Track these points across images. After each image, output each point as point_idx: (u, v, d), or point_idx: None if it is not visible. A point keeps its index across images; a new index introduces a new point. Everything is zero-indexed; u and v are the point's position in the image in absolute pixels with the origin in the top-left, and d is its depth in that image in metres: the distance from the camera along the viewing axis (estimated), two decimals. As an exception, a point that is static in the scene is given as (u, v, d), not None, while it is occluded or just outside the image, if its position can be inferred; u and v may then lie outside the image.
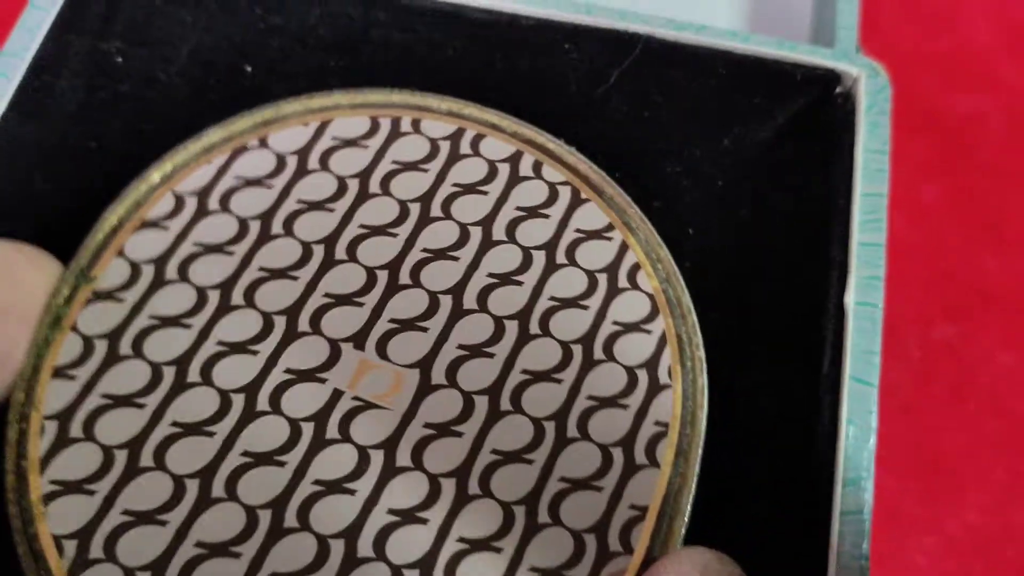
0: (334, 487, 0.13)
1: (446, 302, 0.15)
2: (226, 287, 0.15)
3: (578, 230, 0.16)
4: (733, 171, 0.19)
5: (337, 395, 0.14)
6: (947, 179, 0.29)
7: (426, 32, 0.19)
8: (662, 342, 0.15)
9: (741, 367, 0.16)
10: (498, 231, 0.16)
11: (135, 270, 0.15)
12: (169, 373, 0.14)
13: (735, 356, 0.16)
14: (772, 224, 0.18)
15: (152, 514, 0.13)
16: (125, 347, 0.14)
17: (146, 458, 0.13)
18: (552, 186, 0.17)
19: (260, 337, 0.14)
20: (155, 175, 0.16)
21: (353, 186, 0.16)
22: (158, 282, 0.15)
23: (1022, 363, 0.26)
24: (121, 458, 0.13)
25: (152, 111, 0.18)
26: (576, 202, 0.16)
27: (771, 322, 0.17)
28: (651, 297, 0.15)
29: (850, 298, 0.16)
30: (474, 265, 0.15)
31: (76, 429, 0.13)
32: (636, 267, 0.16)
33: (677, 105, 0.19)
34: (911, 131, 0.29)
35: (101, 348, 0.14)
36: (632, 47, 0.19)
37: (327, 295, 0.15)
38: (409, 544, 0.13)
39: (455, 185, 0.16)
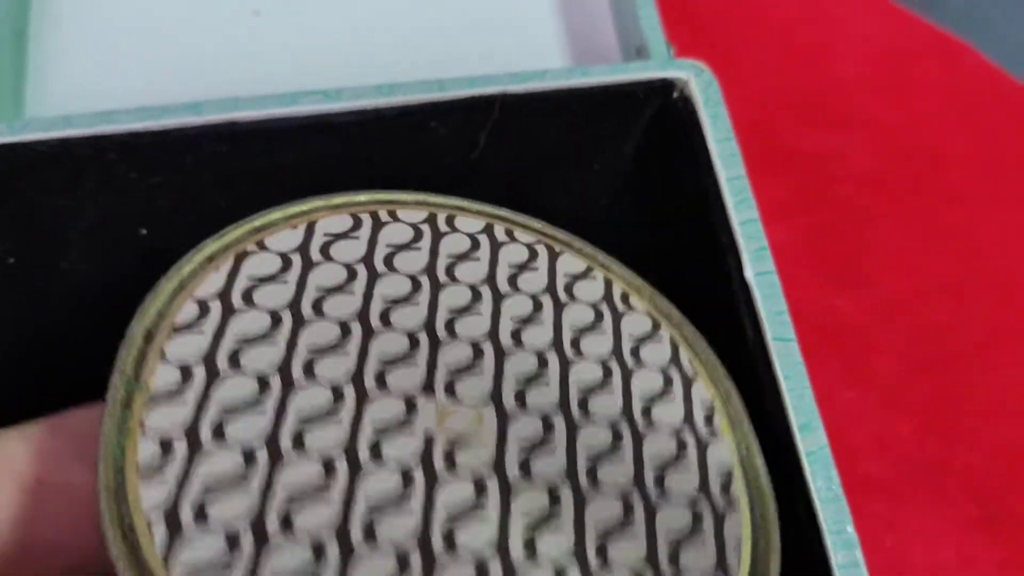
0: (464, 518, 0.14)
1: (487, 347, 0.16)
2: (284, 370, 0.15)
3: (565, 274, 0.18)
4: (611, 190, 0.21)
5: (430, 440, 0.15)
6: (801, 218, 0.29)
7: (302, 145, 0.20)
8: (674, 345, 0.18)
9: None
10: (502, 285, 0.18)
11: (186, 372, 0.15)
12: (262, 456, 0.14)
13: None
14: (662, 226, 0.20)
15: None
16: (206, 438, 0.14)
17: (272, 527, 0.13)
18: (529, 246, 0.19)
19: (336, 408, 0.15)
20: (168, 286, 0.16)
21: (360, 270, 0.17)
22: (213, 377, 0.15)
23: (862, 400, 0.26)
24: (247, 539, 0.13)
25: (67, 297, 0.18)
26: (553, 255, 0.19)
27: (692, 308, 0.19)
28: (648, 314, 0.18)
29: (749, 272, 0.19)
30: (496, 314, 0.17)
31: (187, 516, 0.13)
32: (625, 295, 0.18)
33: (544, 147, 0.21)
34: (766, 171, 0.29)
35: (181, 447, 0.14)
36: (491, 108, 0.21)
37: (382, 361, 0.16)
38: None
39: (449, 256, 0.18)
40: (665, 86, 0.22)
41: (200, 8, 0.27)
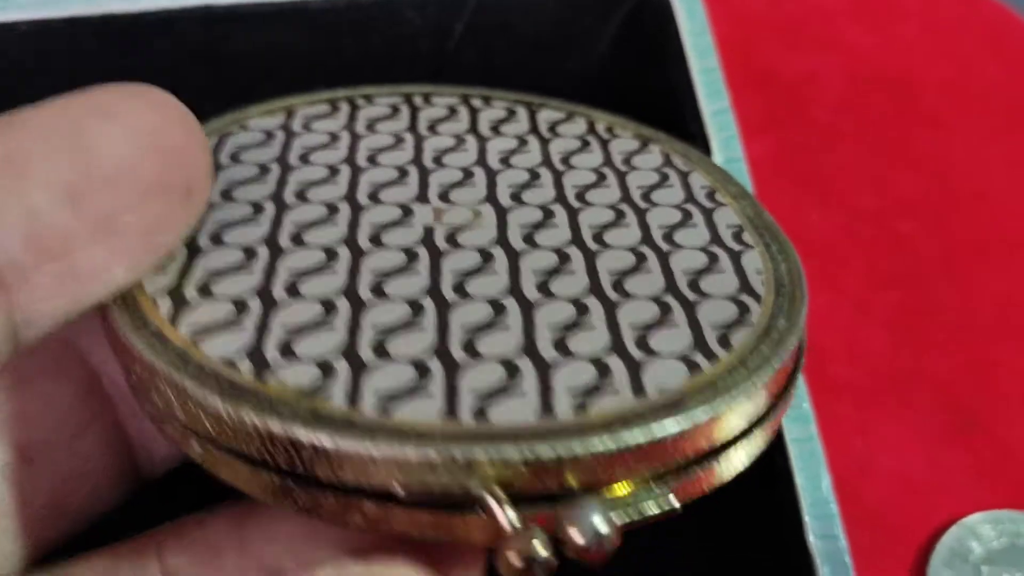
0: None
1: (477, 170, 0.16)
2: (277, 197, 0.15)
3: (546, 120, 0.18)
4: (586, 86, 0.21)
5: (429, 231, 0.14)
6: (775, 135, 0.29)
7: (278, 32, 0.20)
8: (664, 153, 0.17)
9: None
10: (484, 132, 0.17)
11: None
12: (262, 249, 0.14)
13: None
14: (636, 120, 0.20)
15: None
16: (206, 244, 0.14)
17: (279, 294, 0.13)
18: (507, 108, 0.18)
19: (332, 217, 0.15)
20: None
21: (344, 135, 0.17)
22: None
23: (832, 304, 0.26)
24: (255, 303, 0.13)
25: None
26: (532, 110, 0.18)
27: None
28: (635, 136, 0.18)
29: (718, 158, 0.19)
30: (482, 151, 0.17)
31: (191, 293, 0.13)
32: (609, 127, 0.18)
33: (520, 44, 0.21)
34: (745, 89, 0.30)
35: (182, 252, 0.13)
36: (467, 2, 0.21)
37: (373, 184, 0.15)
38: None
39: (429, 120, 0.17)
40: (642, -16, 0.22)
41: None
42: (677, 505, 0.11)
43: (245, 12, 0.20)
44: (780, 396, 0.13)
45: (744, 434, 0.12)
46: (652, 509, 0.11)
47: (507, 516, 0.10)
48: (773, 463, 0.17)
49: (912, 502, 0.23)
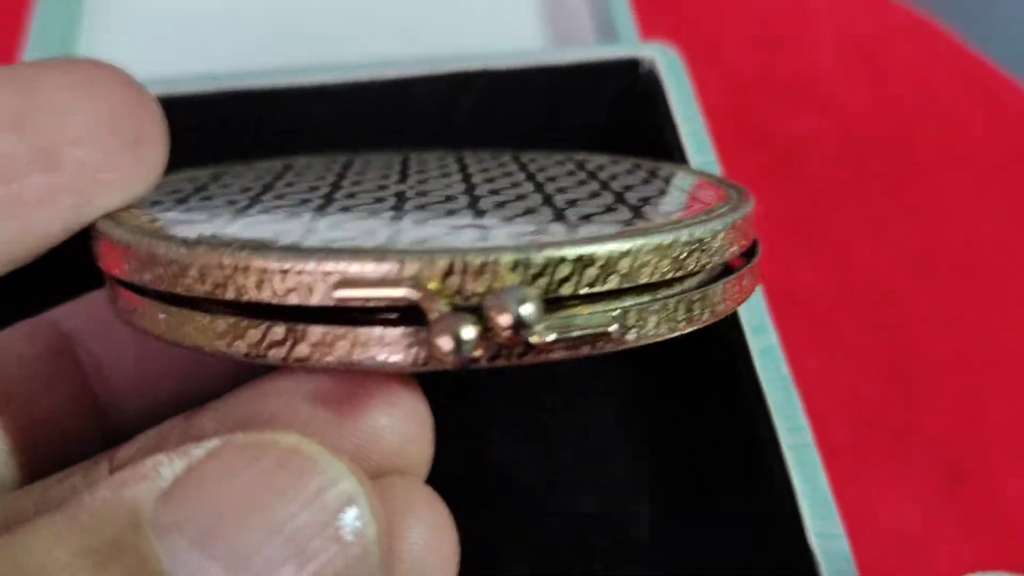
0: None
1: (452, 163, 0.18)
2: (267, 185, 0.16)
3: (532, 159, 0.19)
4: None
5: (401, 191, 0.15)
6: (771, 194, 0.30)
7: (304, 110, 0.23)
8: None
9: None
10: (472, 164, 0.19)
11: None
12: (244, 197, 0.15)
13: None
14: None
15: None
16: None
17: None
18: (496, 157, 0.20)
19: (314, 190, 0.16)
20: None
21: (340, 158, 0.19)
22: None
23: (825, 366, 0.26)
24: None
25: None
26: (523, 162, 0.20)
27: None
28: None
29: (705, 203, 0.21)
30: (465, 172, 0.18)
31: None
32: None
33: (520, 119, 0.24)
34: (741, 151, 0.31)
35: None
36: (472, 82, 0.24)
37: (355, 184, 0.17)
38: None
39: (419, 160, 0.19)
40: (632, 64, 0.24)
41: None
42: (611, 329, 0.11)
43: (277, 92, 0.23)
44: (713, 268, 0.13)
45: (668, 284, 0.12)
46: (581, 327, 0.11)
47: (436, 305, 0.10)
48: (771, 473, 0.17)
49: (908, 561, 0.23)
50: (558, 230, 0.12)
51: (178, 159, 0.19)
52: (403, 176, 0.17)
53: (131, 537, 0.10)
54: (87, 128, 0.12)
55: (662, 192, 0.16)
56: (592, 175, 0.17)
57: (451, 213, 0.13)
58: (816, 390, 0.26)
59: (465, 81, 0.23)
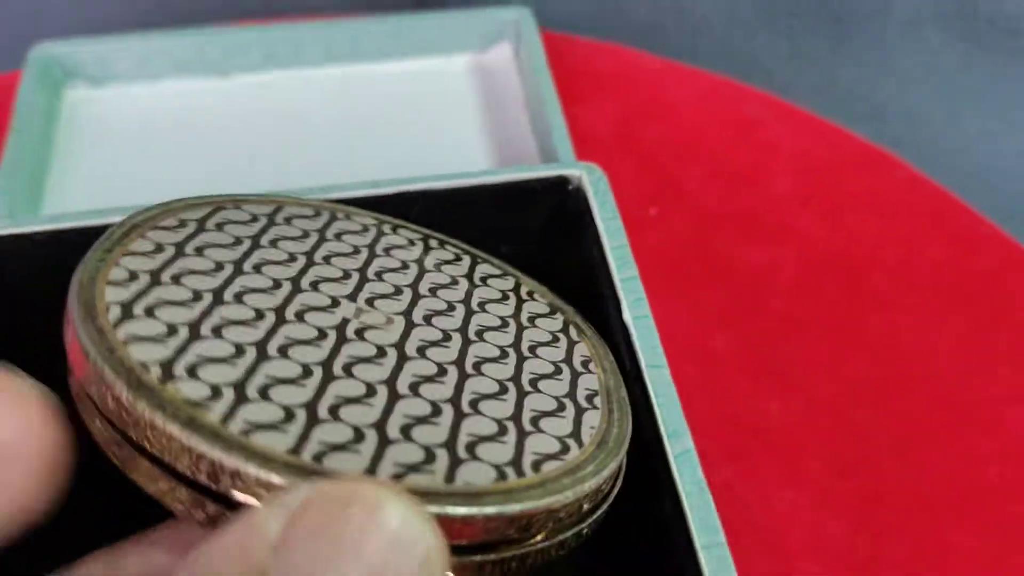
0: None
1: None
2: (237, 265, 0.18)
3: (482, 273, 0.21)
4: (522, 260, 0.25)
5: (345, 322, 0.17)
6: (737, 328, 0.32)
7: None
8: (565, 322, 0.21)
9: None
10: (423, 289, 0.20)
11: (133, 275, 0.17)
12: (208, 296, 0.16)
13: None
14: (561, 292, 0.24)
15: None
16: (166, 279, 0.17)
17: (205, 331, 0.16)
18: (456, 255, 0.22)
19: (274, 292, 0.17)
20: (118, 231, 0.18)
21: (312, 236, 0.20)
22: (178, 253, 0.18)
23: (795, 501, 0.28)
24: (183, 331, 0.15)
25: None
26: (475, 262, 0.22)
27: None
28: (549, 304, 0.22)
29: (627, 315, 0.22)
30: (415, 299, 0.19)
31: (139, 311, 0.15)
32: (531, 291, 0.22)
33: (462, 234, 0.25)
34: (706, 284, 0.33)
35: (145, 278, 0.16)
36: (415, 201, 0.25)
37: (316, 280, 0.18)
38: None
39: (385, 248, 0.21)
40: (562, 181, 0.26)
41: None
42: None
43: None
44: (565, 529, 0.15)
45: (515, 543, 0.14)
46: None
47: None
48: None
49: None
50: (440, 469, 0.14)
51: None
52: (356, 292, 0.19)
53: None
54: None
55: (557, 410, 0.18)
56: (519, 354, 0.19)
57: (370, 393, 0.16)
58: (785, 525, 0.27)
59: (409, 201, 0.25)
